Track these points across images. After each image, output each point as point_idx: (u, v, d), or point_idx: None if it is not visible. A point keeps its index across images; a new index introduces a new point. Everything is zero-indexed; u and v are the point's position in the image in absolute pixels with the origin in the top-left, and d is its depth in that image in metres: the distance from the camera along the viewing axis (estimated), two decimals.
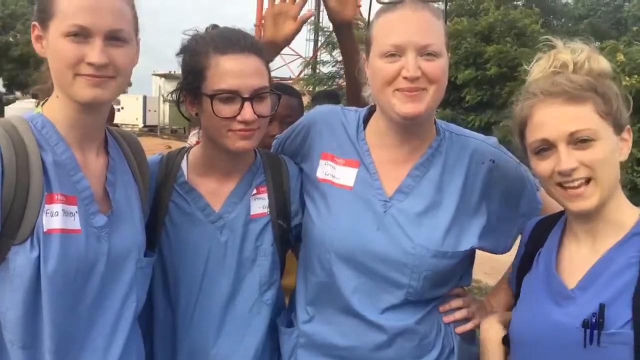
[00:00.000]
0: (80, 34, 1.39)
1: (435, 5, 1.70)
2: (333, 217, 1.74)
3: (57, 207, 1.42)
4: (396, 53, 1.61)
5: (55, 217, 1.41)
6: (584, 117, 1.42)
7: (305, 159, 1.88)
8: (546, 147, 1.45)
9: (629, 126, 1.49)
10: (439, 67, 1.62)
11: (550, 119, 1.44)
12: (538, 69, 1.54)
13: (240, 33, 1.74)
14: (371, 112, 1.82)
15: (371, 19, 1.75)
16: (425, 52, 1.60)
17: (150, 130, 33.11)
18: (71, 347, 1.46)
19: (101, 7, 1.41)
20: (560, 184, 1.44)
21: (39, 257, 1.38)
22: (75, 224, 1.44)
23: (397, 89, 1.61)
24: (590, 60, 1.48)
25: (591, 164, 1.41)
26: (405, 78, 1.59)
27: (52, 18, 1.41)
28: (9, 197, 1.36)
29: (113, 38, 1.43)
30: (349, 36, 2.30)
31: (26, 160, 1.39)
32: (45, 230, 1.39)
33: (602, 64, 1.49)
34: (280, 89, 2.48)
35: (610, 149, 1.43)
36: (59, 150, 1.46)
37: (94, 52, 1.39)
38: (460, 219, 1.71)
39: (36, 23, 1.44)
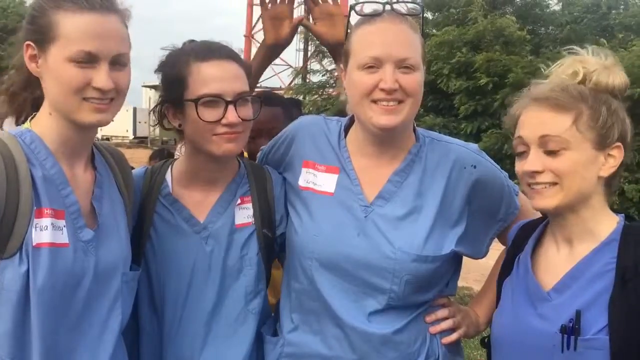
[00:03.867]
0: (87, 60, 1.41)
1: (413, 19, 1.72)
2: (315, 223, 1.76)
3: (46, 222, 1.42)
4: (374, 65, 1.63)
5: (45, 231, 1.42)
6: (559, 124, 1.45)
7: (288, 168, 1.90)
8: (523, 147, 1.50)
9: (620, 144, 1.49)
10: (416, 80, 1.66)
11: (529, 121, 1.50)
12: (556, 74, 1.56)
13: (219, 43, 1.79)
14: (353, 120, 1.84)
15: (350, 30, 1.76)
16: (403, 65, 1.63)
17: (141, 141, 33.02)
18: None
19: (106, 33, 1.44)
20: (529, 184, 1.50)
21: (27, 271, 1.39)
22: (63, 238, 1.45)
23: (374, 100, 1.64)
24: (601, 74, 1.50)
25: (556, 171, 1.45)
26: (382, 90, 1.62)
27: (54, 41, 1.42)
28: None
29: (116, 62, 1.47)
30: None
31: (16, 175, 1.39)
32: (34, 244, 1.40)
33: (614, 79, 1.50)
34: (266, 99, 2.51)
35: (581, 162, 1.46)
36: (48, 165, 1.47)
37: (101, 77, 1.42)
38: (440, 224, 1.72)
39: (31, 43, 1.44)
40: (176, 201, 1.82)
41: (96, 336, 1.53)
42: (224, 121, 1.68)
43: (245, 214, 1.83)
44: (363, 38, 1.68)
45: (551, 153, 1.46)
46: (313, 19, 2.26)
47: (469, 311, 1.87)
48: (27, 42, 1.44)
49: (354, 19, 1.77)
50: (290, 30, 2.20)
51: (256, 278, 1.82)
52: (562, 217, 1.51)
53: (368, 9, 1.70)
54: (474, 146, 1.83)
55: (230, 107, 1.69)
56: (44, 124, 1.50)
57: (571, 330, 1.40)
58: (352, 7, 1.74)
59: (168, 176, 1.85)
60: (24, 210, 1.39)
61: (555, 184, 1.46)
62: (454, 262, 1.80)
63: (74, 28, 1.41)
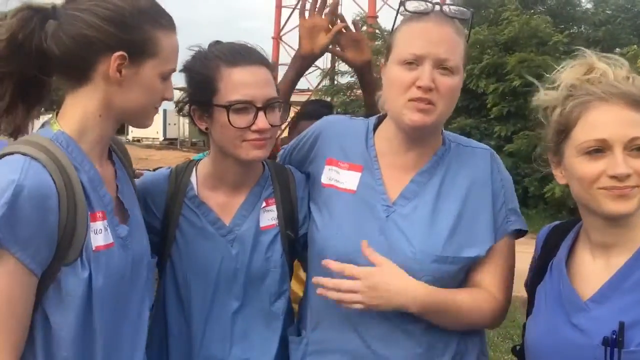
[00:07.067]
0: (170, 75, 1.55)
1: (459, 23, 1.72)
2: (335, 221, 1.76)
3: (99, 225, 1.45)
4: (414, 62, 1.63)
5: (99, 234, 1.45)
6: None
7: (312, 166, 1.90)
8: (600, 148, 1.40)
9: None
10: (452, 84, 1.65)
11: (611, 121, 1.40)
12: (572, 75, 1.51)
13: (248, 46, 1.79)
14: (380, 120, 1.85)
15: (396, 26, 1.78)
16: (442, 66, 1.63)
17: (170, 143, 33.42)
18: (112, 355, 1.50)
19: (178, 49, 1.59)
20: (604, 187, 1.40)
21: (89, 275, 1.40)
22: (109, 237, 1.48)
23: (410, 100, 1.63)
24: (634, 78, 1.46)
25: None
26: (419, 88, 1.61)
27: (152, 56, 1.47)
28: (62, 222, 1.37)
29: None
30: (369, 74, 2.42)
31: (69, 181, 1.40)
32: (93, 248, 1.42)
33: None
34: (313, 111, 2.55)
35: None
36: (86, 168, 1.47)
37: (171, 89, 1.59)
38: (463, 226, 1.71)
39: (124, 53, 1.43)
40: (202, 204, 1.82)
41: (134, 327, 1.57)
42: (254, 127, 1.69)
43: (270, 216, 1.84)
44: (407, 34, 1.70)
45: (636, 155, 1.38)
46: (340, 47, 2.37)
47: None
48: (122, 53, 1.43)
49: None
50: (326, 43, 2.26)
51: (280, 279, 1.83)
52: (618, 222, 1.44)
53: (416, 7, 1.70)
54: (492, 151, 1.84)
55: (261, 114, 1.69)
56: (82, 125, 1.48)
57: (614, 343, 1.35)
58: (401, 3, 1.75)
59: (193, 178, 1.86)
60: (81, 216, 1.40)
61: (637, 186, 1.39)
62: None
63: (170, 47, 1.51)
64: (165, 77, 1.51)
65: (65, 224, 1.37)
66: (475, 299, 1.71)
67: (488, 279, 1.74)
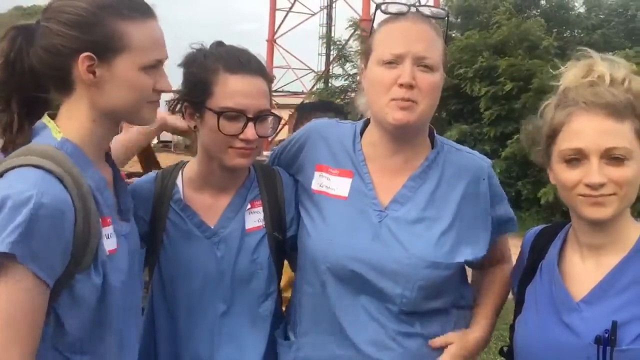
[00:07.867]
0: (155, 66, 1.48)
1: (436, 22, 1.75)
2: (328, 227, 1.76)
3: (109, 229, 1.46)
4: (394, 61, 1.65)
5: (110, 238, 1.46)
6: (622, 134, 1.41)
7: (300, 170, 1.90)
8: (577, 157, 1.44)
9: None
10: (433, 81, 1.66)
11: (589, 130, 1.43)
12: (571, 77, 1.53)
13: (249, 54, 1.79)
14: (367, 124, 1.85)
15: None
16: (421, 63, 1.64)
17: (165, 145, 33.30)
18: (121, 350, 1.52)
19: (163, 39, 1.52)
20: (582, 195, 1.44)
21: (104, 280, 1.41)
22: (116, 240, 1.49)
23: (392, 99, 1.64)
24: (631, 80, 1.47)
25: (620, 181, 1.40)
26: (401, 85, 1.62)
27: (123, 51, 1.42)
28: (78, 233, 1.36)
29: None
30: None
31: (82, 192, 1.38)
32: (107, 253, 1.43)
33: None
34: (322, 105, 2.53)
35: (639, 170, 1.43)
36: (91, 174, 1.46)
37: (165, 80, 1.53)
38: (456, 232, 1.71)
39: (91, 54, 1.40)
40: (187, 207, 1.82)
41: (135, 317, 1.60)
42: (241, 136, 1.70)
43: (255, 218, 1.84)
44: (386, 35, 1.71)
45: (614, 163, 1.41)
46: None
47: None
48: (88, 54, 1.40)
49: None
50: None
51: (267, 281, 1.83)
52: (603, 225, 1.47)
53: (393, 8, 1.72)
54: (488, 161, 1.85)
55: (250, 124, 1.70)
56: (82, 131, 1.47)
57: (607, 341, 1.37)
58: (377, 6, 1.76)
59: (179, 180, 1.86)
60: (94, 223, 1.39)
61: (613, 194, 1.41)
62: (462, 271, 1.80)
63: (147, 38, 1.45)
64: (149, 69, 1.46)
65: (81, 234, 1.36)
66: (504, 283, 1.88)
67: (504, 252, 1.95)
